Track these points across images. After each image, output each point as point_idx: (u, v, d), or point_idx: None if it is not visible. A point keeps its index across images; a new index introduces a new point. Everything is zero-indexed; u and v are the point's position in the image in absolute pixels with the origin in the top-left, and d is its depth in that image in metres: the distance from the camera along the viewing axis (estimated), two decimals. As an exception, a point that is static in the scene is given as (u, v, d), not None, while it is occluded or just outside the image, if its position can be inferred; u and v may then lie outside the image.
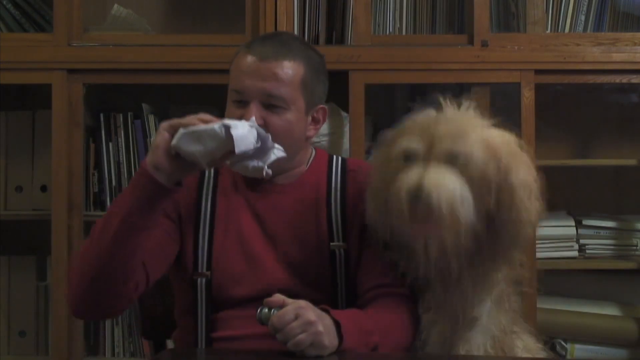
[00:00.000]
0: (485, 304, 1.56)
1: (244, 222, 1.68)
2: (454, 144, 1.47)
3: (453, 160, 1.47)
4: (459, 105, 1.57)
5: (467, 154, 1.46)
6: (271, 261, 1.66)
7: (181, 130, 1.47)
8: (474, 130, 1.50)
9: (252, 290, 1.64)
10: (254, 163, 1.53)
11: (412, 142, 1.51)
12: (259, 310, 1.47)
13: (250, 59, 1.64)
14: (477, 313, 1.55)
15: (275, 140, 1.57)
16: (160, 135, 1.49)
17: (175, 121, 1.49)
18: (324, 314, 1.47)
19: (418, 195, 1.44)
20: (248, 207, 1.70)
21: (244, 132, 1.46)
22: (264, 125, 1.59)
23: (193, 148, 1.46)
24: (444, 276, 1.54)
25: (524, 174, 1.49)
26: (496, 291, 1.57)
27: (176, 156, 1.48)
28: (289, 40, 1.70)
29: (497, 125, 1.56)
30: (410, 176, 1.46)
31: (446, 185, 1.44)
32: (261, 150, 1.52)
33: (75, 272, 1.57)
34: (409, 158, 1.50)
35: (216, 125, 1.46)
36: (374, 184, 1.59)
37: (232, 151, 1.47)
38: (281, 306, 1.46)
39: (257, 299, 1.54)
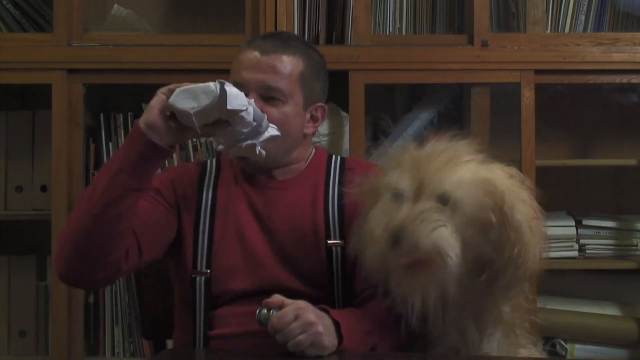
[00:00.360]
0: (493, 337, 1.52)
1: (242, 216, 1.69)
2: (444, 184, 1.40)
3: (443, 201, 1.40)
4: (453, 138, 1.49)
5: (458, 195, 1.39)
6: (269, 256, 1.67)
7: (177, 90, 1.50)
8: (468, 169, 1.43)
9: (249, 285, 1.65)
10: (247, 142, 1.56)
11: (401, 181, 1.44)
12: (258, 311, 1.47)
13: (250, 53, 1.67)
14: (487, 348, 1.51)
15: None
16: (156, 96, 1.52)
17: (173, 85, 1.52)
18: (323, 314, 1.47)
19: (400, 237, 1.37)
20: (247, 201, 1.71)
21: (238, 92, 1.50)
22: None
23: (187, 105, 1.48)
24: (438, 318, 1.49)
25: (526, 210, 1.42)
26: (504, 324, 1.53)
27: (171, 116, 1.50)
28: (289, 38, 1.73)
29: (494, 157, 1.49)
30: (394, 216, 1.40)
31: (432, 229, 1.37)
32: (256, 130, 1.55)
33: (62, 234, 1.55)
34: (397, 196, 1.44)
35: (212, 83, 1.49)
36: (362, 236, 1.51)
37: (226, 121, 1.50)
38: (280, 307, 1.46)
39: (254, 294, 1.55)
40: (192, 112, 1.47)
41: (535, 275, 1.53)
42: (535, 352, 1.62)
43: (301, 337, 1.42)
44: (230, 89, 1.49)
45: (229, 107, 1.48)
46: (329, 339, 1.45)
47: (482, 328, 1.51)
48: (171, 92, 1.50)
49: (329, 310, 1.50)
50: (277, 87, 1.66)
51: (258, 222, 1.69)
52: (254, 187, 1.72)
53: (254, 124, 1.53)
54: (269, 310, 1.46)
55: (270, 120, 1.62)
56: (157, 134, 1.50)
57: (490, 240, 1.40)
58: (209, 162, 1.80)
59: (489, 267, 1.42)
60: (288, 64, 1.67)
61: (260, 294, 1.57)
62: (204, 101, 1.48)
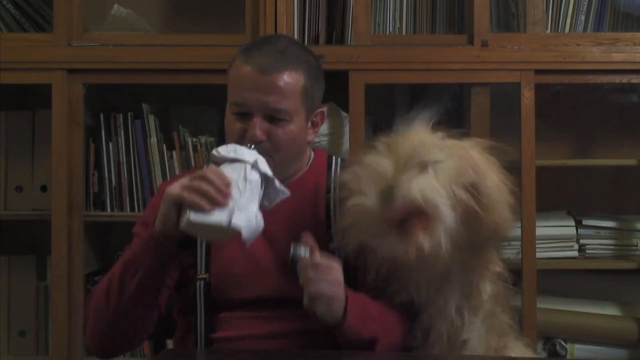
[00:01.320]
0: (473, 325, 1.55)
1: None
2: (424, 155, 1.47)
3: (424, 167, 1.46)
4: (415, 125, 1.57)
5: (437, 160, 1.46)
6: (270, 263, 1.65)
7: (187, 216, 1.43)
8: (442, 143, 1.51)
9: (251, 293, 1.64)
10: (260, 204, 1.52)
11: (381, 161, 1.50)
12: (293, 249, 1.50)
13: (249, 71, 1.62)
14: (466, 335, 1.55)
15: (279, 151, 1.62)
16: (166, 204, 1.48)
17: (178, 193, 1.46)
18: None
19: (391, 193, 1.43)
20: None
21: (250, 224, 1.44)
22: (268, 138, 1.61)
23: (200, 234, 1.49)
24: (426, 298, 1.54)
25: (499, 177, 1.50)
26: (482, 312, 1.56)
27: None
28: (286, 48, 1.67)
29: (456, 135, 1.56)
30: (382, 180, 1.46)
31: (421, 181, 1.43)
32: (267, 194, 1.52)
33: (92, 323, 1.60)
34: (380, 176, 1.49)
35: (224, 217, 1.42)
36: (350, 206, 1.56)
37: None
38: (311, 248, 1.50)
39: (257, 302, 1.54)
40: (206, 239, 1.52)
41: (503, 239, 1.58)
42: (519, 345, 1.65)
43: (327, 290, 1.46)
44: (243, 223, 1.43)
45: (244, 239, 1.45)
46: (331, 290, 1.50)
47: (463, 315, 1.54)
48: (177, 202, 1.46)
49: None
50: (282, 108, 1.62)
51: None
52: None
53: (262, 189, 1.51)
54: (305, 247, 1.50)
55: (277, 140, 1.62)
56: (175, 241, 1.51)
57: (469, 203, 1.46)
58: (204, 168, 1.78)
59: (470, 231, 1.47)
60: (291, 81, 1.63)
61: (262, 302, 1.56)
62: (216, 236, 1.49)
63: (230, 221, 1.40)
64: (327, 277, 1.49)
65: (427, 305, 1.56)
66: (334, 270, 1.50)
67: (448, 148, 1.50)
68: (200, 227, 1.43)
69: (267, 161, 1.62)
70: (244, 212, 1.42)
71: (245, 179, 1.44)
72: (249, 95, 1.61)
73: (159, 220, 1.49)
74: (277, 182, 1.51)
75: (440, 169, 1.45)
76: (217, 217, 1.40)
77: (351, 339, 1.53)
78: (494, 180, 1.49)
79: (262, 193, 1.48)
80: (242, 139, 1.62)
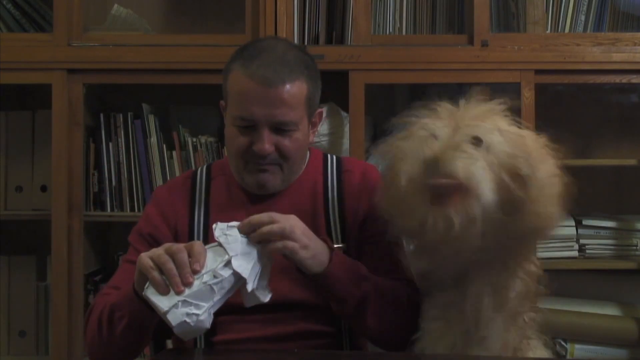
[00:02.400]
0: (494, 323, 1.50)
1: None
2: (479, 130, 1.41)
3: (477, 143, 1.40)
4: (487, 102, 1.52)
5: (491, 139, 1.40)
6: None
7: (145, 288, 1.40)
8: (502, 121, 1.46)
9: None
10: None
11: (436, 124, 1.44)
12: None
13: (254, 85, 1.59)
14: (485, 332, 1.50)
15: (287, 160, 1.63)
16: (137, 271, 1.44)
17: (145, 266, 1.40)
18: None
19: (436, 164, 1.36)
20: (245, 212, 1.65)
21: (186, 325, 1.37)
22: (276, 149, 1.61)
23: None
24: (457, 278, 1.48)
25: (553, 171, 1.45)
26: (507, 309, 1.51)
27: None
28: (285, 54, 1.64)
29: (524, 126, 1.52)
30: (429, 148, 1.39)
31: (466, 156, 1.37)
32: (244, 292, 1.44)
33: (89, 345, 1.60)
34: (430, 143, 1.42)
35: (165, 305, 1.36)
36: (391, 167, 1.50)
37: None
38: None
39: (257, 308, 1.53)
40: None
41: (548, 233, 1.51)
42: (542, 350, 1.61)
43: (273, 225, 1.44)
44: (180, 322, 1.37)
45: (178, 333, 1.39)
46: (310, 241, 1.48)
47: (488, 308, 1.49)
48: (145, 273, 1.41)
49: (326, 239, 1.54)
50: (289, 120, 1.62)
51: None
52: (250, 196, 1.70)
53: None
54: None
55: (285, 150, 1.63)
56: None
57: (514, 191, 1.39)
58: (198, 172, 1.77)
59: (511, 221, 1.41)
60: (296, 92, 1.61)
61: (262, 305, 1.56)
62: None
63: (167, 311, 1.37)
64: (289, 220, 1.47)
65: (447, 292, 1.51)
66: (278, 216, 1.47)
67: (506, 132, 1.45)
68: (152, 303, 1.40)
69: (275, 171, 1.64)
70: (187, 309, 1.37)
71: (215, 271, 1.39)
72: (256, 110, 1.59)
73: (135, 279, 1.46)
74: (250, 285, 1.42)
75: (492, 150, 1.40)
76: (162, 301, 1.37)
77: (339, 290, 1.52)
78: (545, 172, 1.43)
79: (229, 293, 1.41)
80: (247, 152, 1.63)
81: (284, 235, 1.45)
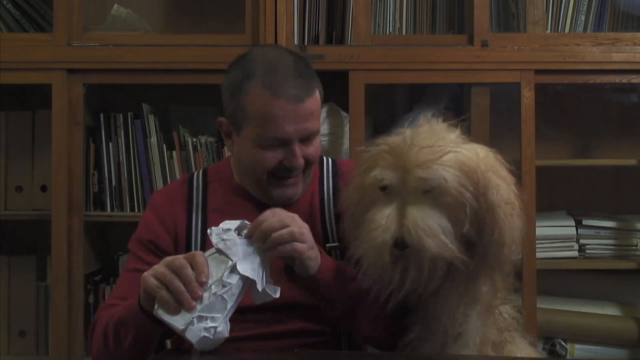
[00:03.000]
0: (469, 319, 1.52)
1: None
2: (427, 174, 1.42)
3: (428, 189, 1.42)
4: (431, 121, 1.53)
5: (440, 183, 1.42)
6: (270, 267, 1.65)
7: (155, 308, 1.39)
8: (447, 153, 1.45)
9: (248, 301, 1.63)
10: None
11: (385, 174, 1.45)
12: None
13: (282, 103, 1.58)
14: (461, 329, 1.52)
15: (310, 166, 1.65)
16: (142, 291, 1.42)
17: (152, 286, 1.39)
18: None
19: (403, 242, 1.40)
20: (243, 216, 1.67)
21: (204, 339, 1.37)
22: (303, 159, 1.62)
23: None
24: (423, 296, 1.51)
25: (503, 191, 1.45)
26: (480, 305, 1.54)
27: None
28: (296, 65, 1.64)
29: (471, 138, 1.51)
30: (389, 222, 1.42)
31: (429, 226, 1.40)
32: (253, 291, 1.44)
33: (95, 357, 1.59)
34: (384, 188, 1.46)
35: (181, 323, 1.36)
36: (350, 208, 1.54)
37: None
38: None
39: (254, 309, 1.53)
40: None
41: (514, 258, 1.52)
42: (528, 350, 1.62)
43: (283, 230, 1.43)
44: (199, 336, 1.37)
45: (198, 348, 1.40)
46: (312, 241, 1.47)
47: (461, 308, 1.52)
48: (152, 294, 1.40)
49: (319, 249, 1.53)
50: (316, 130, 1.65)
51: None
52: (248, 200, 1.70)
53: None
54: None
55: (311, 158, 1.64)
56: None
57: (472, 222, 1.43)
58: (194, 177, 1.76)
59: (473, 249, 1.45)
60: (317, 100, 1.64)
61: (263, 308, 1.56)
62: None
63: (185, 329, 1.36)
64: (277, 221, 1.45)
65: (426, 297, 1.52)
66: (278, 211, 1.47)
67: (453, 159, 1.45)
68: (166, 322, 1.40)
69: (299, 181, 1.65)
70: (204, 323, 1.36)
71: (222, 280, 1.38)
72: (288, 128, 1.59)
73: (141, 297, 1.45)
74: (260, 285, 1.41)
75: (444, 192, 1.42)
76: (177, 320, 1.37)
77: (328, 292, 1.52)
78: (499, 196, 1.44)
79: (240, 296, 1.41)
80: (276, 168, 1.62)
81: (293, 238, 1.44)
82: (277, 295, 1.44)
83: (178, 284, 1.37)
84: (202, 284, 1.37)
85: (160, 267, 1.40)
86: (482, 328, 1.53)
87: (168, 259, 1.42)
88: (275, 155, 1.61)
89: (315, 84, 1.64)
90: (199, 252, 1.41)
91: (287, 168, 1.62)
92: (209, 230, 1.43)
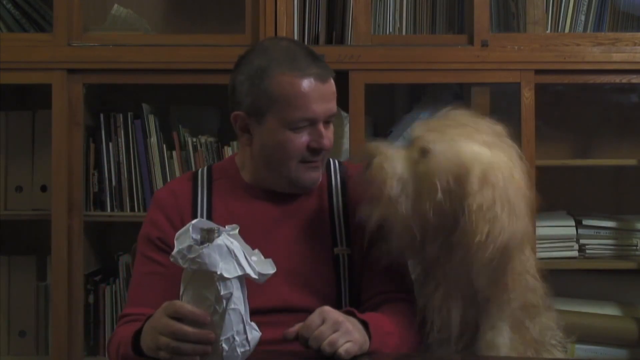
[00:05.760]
0: (500, 330, 1.55)
1: (244, 232, 1.66)
2: (429, 142, 1.52)
3: (424, 153, 1.52)
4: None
5: (433, 158, 1.50)
6: (275, 273, 1.64)
7: None
8: (458, 140, 1.51)
9: (256, 304, 1.62)
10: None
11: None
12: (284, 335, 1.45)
13: (310, 83, 1.61)
14: (497, 342, 1.55)
15: (328, 150, 1.67)
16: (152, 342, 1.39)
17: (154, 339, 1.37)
18: (348, 316, 1.47)
19: (370, 162, 1.54)
20: (249, 217, 1.66)
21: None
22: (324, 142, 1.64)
23: None
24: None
25: (485, 198, 1.46)
26: (512, 319, 1.57)
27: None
28: (310, 49, 1.70)
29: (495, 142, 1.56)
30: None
31: (390, 163, 1.52)
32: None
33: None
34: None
35: None
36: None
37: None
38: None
39: (259, 311, 1.52)
40: None
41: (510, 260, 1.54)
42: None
43: (334, 335, 1.40)
44: None
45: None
46: (360, 334, 1.45)
47: (484, 318, 1.54)
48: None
49: (354, 311, 1.50)
50: (335, 112, 1.69)
51: (263, 236, 1.64)
52: (256, 199, 1.70)
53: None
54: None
55: (329, 142, 1.67)
56: None
57: (447, 205, 1.49)
58: (199, 173, 1.75)
59: (443, 235, 1.50)
60: (334, 82, 1.67)
61: (267, 311, 1.55)
62: None
63: (225, 358, 1.34)
64: (328, 328, 1.42)
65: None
66: (329, 314, 1.45)
67: (457, 153, 1.51)
68: None
69: (321, 162, 1.67)
70: (234, 343, 1.34)
71: (221, 296, 1.32)
72: (316, 107, 1.62)
73: (151, 335, 1.40)
74: (253, 273, 1.36)
75: (433, 159, 1.50)
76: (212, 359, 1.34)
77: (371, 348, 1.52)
78: (477, 203, 1.46)
79: (244, 295, 1.37)
80: (305, 151, 1.64)
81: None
82: (274, 269, 1.39)
83: (187, 346, 1.33)
84: (203, 324, 1.32)
85: (159, 340, 1.35)
86: (518, 345, 1.57)
87: (159, 327, 1.35)
88: (304, 138, 1.63)
89: (328, 66, 1.68)
90: (177, 302, 1.35)
91: (315, 150, 1.64)
92: (171, 258, 1.34)
